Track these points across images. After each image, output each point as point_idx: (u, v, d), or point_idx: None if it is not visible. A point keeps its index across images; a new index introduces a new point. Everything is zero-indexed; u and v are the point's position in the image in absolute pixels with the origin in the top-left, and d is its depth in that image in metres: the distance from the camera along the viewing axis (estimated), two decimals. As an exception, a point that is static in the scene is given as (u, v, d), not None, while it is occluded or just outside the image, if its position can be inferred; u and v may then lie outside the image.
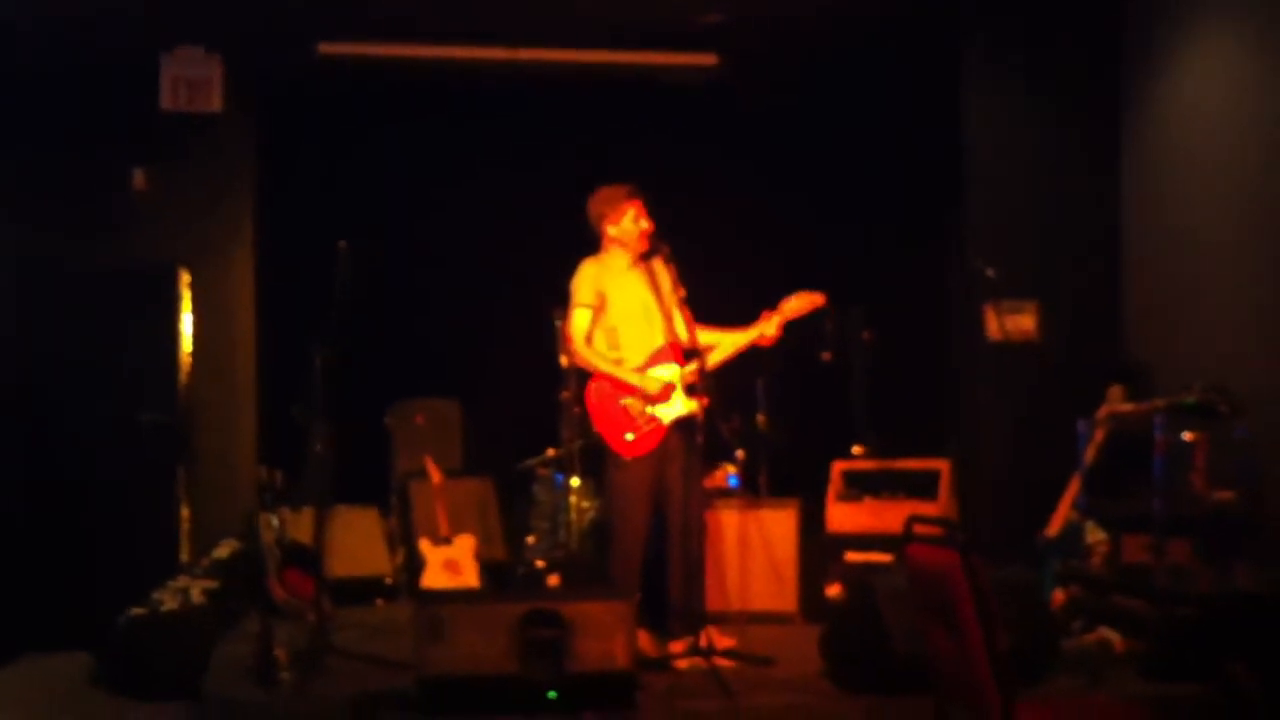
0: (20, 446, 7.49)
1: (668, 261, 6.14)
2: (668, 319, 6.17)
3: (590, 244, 6.29)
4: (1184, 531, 6.20)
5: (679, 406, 6.05)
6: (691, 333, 5.95)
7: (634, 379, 6.04)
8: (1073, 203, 7.89)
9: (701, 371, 5.93)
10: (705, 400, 5.90)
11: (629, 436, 6.02)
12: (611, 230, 6.20)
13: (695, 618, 5.89)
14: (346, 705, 5.13)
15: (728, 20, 7.92)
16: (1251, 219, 6.62)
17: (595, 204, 6.24)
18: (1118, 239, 7.84)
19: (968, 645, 3.51)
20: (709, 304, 6.21)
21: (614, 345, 6.18)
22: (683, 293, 6.09)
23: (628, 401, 6.05)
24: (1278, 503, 6.24)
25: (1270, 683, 4.97)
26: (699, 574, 6.05)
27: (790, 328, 6.21)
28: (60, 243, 7.74)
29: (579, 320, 6.15)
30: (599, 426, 6.11)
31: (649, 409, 6.03)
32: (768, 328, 6.13)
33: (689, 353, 6.07)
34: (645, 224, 6.16)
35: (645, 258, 6.19)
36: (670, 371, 6.11)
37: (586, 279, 6.19)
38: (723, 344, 6.15)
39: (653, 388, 6.01)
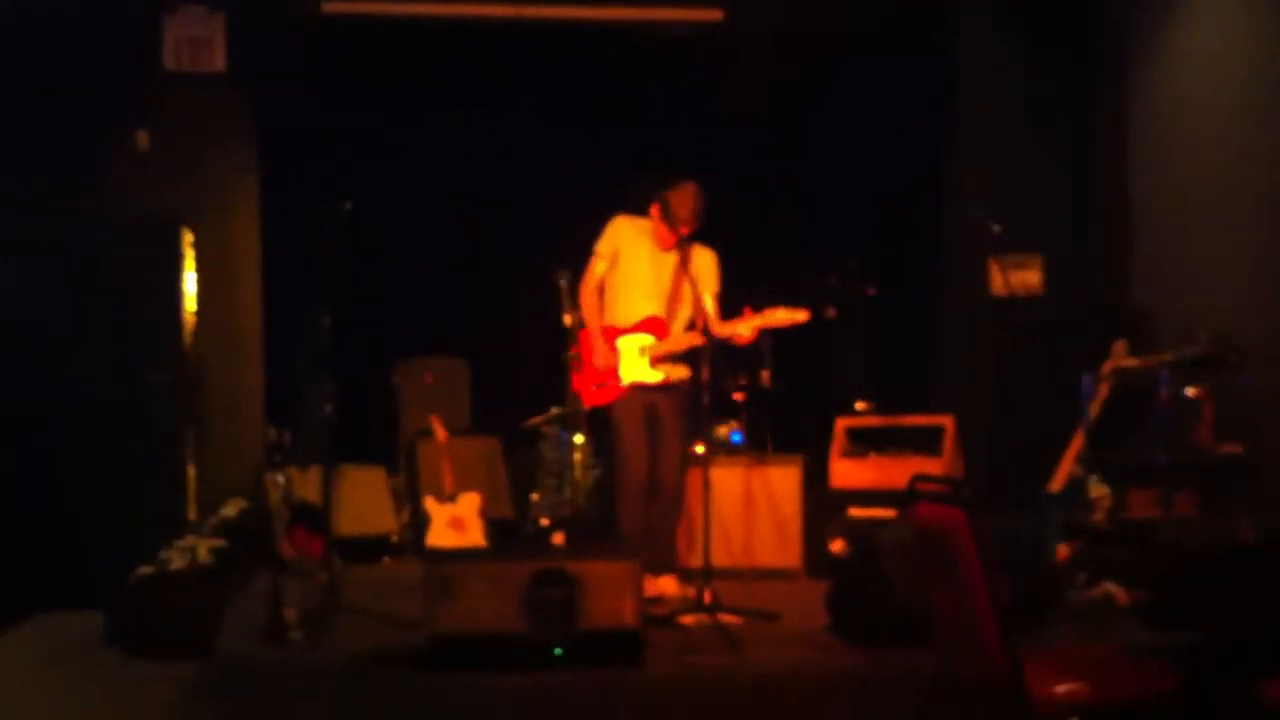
0: (25, 405, 7.50)
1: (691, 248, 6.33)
2: (673, 298, 6.40)
3: (596, 202, 6.41)
4: (1189, 484, 6.21)
5: (640, 373, 6.38)
6: (702, 322, 6.19)
7: (593, 338, 6.46)
8: (1077, 155, 7.88)
9: (708, 349, 6.10)
10: (673, 375, 6.37)
11: (595, 386, 6.48)
12: (657, 211, 6.35)
13: (661, 563, 6.34)
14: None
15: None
16: (1256, 168, 6.61)
17: (676, 201, 6.26)
18: (1124, 191, 7.82)
19: (971, 599, 3.55)
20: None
21: (610, 301, 6.51)
22: (716, 288, 6.45)
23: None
24: (1281, 452, 6.27)
25: (1269, 632, 5.00)
26: (673, 524, 6.51)
27: (796, 280, 6.34)
28: (61, 202, 7.72)
29: (593, 267, 6.53)
30: (581, 367, 6.57)
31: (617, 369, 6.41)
32: (744, 329, 6.22)
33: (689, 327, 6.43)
34: (679, 225, 6.26)
35: (683, 243, 6.29)
36: (643, 340, 6.39)
37: (609, 233, 6.53)
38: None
39: (598, 363, 6.41)
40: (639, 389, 6.38)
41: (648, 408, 6.41)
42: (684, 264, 6.25)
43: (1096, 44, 7.85)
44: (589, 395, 6.53)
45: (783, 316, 6.16)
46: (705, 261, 6.45)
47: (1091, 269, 7.81)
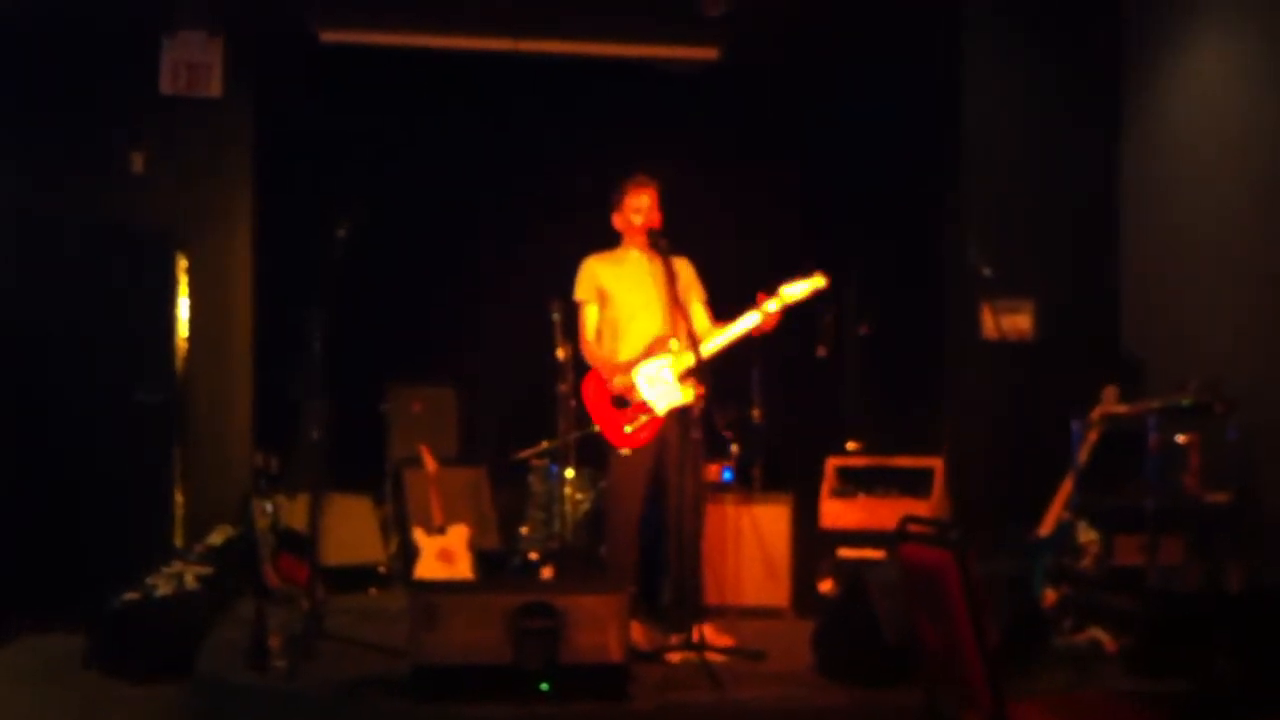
0: (15, 424, 7.47)
1: (669, 257, 6.16)
2: (671, 311, 6.16)
3: (593, 235, 6.37)
4: (1176, 531, 6.22)
5: (675, 396, 6.06)
6: (691, 330, 5.93)
7: (606, 370, 6.12)
8: (1071, 199, 7.91)
9: (698, 365, 5.85)
10: (701, 391, 5.84)
11: (627, 428, 6.06)
12: (617, 221, 6.28)
13: (691, 610, 5.89)
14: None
15: (732, 11, 7.94)
16: (1250, 214, 6.64)
17: (612, 196, 6.27)
18: (1116, 236, 7.86)
19: (959, 641, 3.54)
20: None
21: (615, 337, 6.25)
22: (704, 295, 6.27)
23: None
24: (1271, 501, 6.27)
25: (1255, 679, 5.01)
26: (695, 566, 6.09)
27: (789, 317, 6.14)
28: (57, 224, 7.72)
29: (585, 317, 6.29)
30: (596, 420, 6.17)
31: (647, 401, 6.05)
32: (764, 314, 5.96)
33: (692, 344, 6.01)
34: (640, 216, 6.17)
35: (663, 251, 6.14)
36: (665, 362, 6.12)
37: (584, 277, 6.31)
38: (720, 335, 6.09)
39: (617, 385, 6.06)
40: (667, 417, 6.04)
41: (660, 446, 6.08)
42: (669, 273, 6.06)
43: (1097, 86, 7.90)
44: (624, 439, 6.03)
45: (800, 288, 5.96)
46: (685, 271, 6.26)
47: (1083, 314, 7.82)
